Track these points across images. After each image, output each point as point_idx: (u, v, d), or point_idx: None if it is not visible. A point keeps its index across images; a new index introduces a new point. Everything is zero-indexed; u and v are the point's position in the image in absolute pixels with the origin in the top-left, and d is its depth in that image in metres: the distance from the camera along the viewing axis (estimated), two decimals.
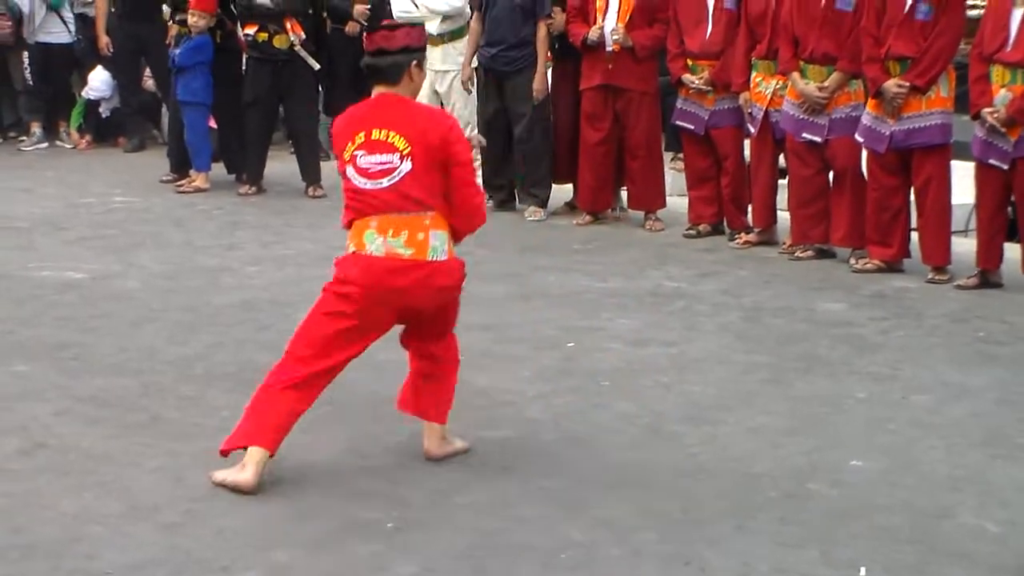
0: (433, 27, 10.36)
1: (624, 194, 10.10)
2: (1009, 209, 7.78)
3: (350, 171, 4.93)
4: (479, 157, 10.46)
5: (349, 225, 5.03)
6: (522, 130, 10.01)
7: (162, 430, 5.24)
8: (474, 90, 10.44)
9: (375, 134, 4.89)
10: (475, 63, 10.30)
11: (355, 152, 4.91)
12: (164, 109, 12.75)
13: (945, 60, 7.92)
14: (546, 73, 9.98)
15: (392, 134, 4.86)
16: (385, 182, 4.84)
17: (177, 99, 10.99)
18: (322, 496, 4.56)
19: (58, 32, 13.20)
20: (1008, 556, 4.16)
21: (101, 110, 13.49)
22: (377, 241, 4.89)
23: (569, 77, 9.95)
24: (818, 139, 8.39)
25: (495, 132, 10.14)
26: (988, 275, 7.82)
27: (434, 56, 10.50)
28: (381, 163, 4.85)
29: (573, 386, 5.86)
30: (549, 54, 10.07)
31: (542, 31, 9.81)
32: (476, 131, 10.41)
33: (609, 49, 9.43)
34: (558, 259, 8.58)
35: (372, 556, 4.10)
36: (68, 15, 13.21)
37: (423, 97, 10.51)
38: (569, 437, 5.21)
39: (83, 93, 13.48)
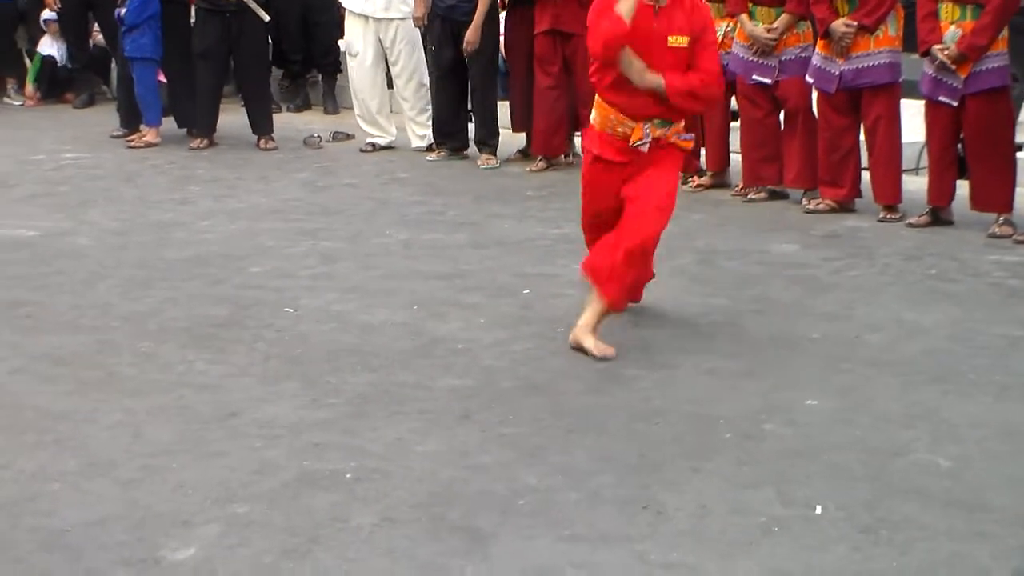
0: None
1: (578, 140, 10.10)
2: (959, 147, 7.81)
3: None
4: (430, 108, 10.44)
5: None
6: (474, 79, 10.00)
7: (118, 386, 5.22)
8: (420, 42, 10.39)
9: None
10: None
11: None
12: (113, 64, 12.66)
13: None
14: (481, 25, 9.93)
15: None
16: None
17: (126, 55, 10.90)
18: (281, 448, 4.56)
19: None
20: (961, 491, 4.20)
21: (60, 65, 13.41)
22: None
23: (524, 24, 9.92)
24: (768, 81, 8.41)
25: (451, 82, 10.12)
26: (939, 212, 7.87)
27: (376, 3, 10.47)
28: None
29: (530, 333, 5.87)
30: (502, 1, 10.06)
31: None
32: (427, 82, 10.42)
33: None
34: (513, 207, 8.59)
35: (332, 507, 4.10)
36: None
37: (368, 47, 10.54)
38: (526, 384, 5.22)
39: (39, 49, 13.37)
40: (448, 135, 10.31)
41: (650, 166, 5.57)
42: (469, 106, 10.36)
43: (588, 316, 5.60)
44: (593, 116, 5.68)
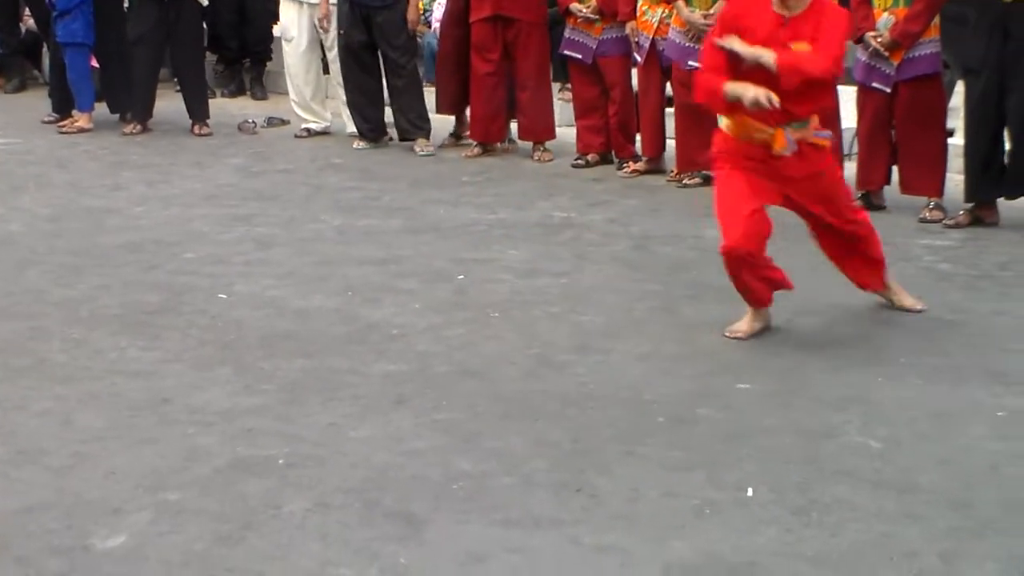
0: None
1: (513, 125, 10.10)
2: (892, 132, 7.86)
3: None
4: (345, 94, 10.37)
5: None
6: (400, 60, 9.94)
7: (48, 373, 5.18)
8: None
9: None
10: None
11: None
12: (45, 49, 12.53)
13: None
14: (419, 3, 9.95)
15: None
16: None
17: (57, 40, 10.80)
18: (214, 435, 4.54)
19: None
20: (891, 471, 4.24)
21: None
22: None
23: (453, 8, 9.90)
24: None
25: (364, 66, 10.08)
26: (872, 197, 7.93)
27: None
28: None
29: (464, 318, 5.87)
30: None
31: None
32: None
33: None
34: (448, 192, 8.58)
35: (265, 493, 4.09)
36: None
37: (303, 32, 10.48)
38: (461, 369, 5.22)
39: None
40: (366, 119, 10.24)
41: (814, 172, 5.58)
42: (386, 91, 10.30)
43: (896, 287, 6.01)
44: (725, 123, 5.57)
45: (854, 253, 5.90)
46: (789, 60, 5.27)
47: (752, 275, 5.52)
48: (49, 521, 3.90)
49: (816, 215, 5.75)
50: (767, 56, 5.26)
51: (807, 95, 5.38)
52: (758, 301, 5.64)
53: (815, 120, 5.52)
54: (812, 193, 5.63)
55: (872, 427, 4.61)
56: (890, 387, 5.02)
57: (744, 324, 5.64)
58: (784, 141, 5.42)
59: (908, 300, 5.97)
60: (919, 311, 5.91)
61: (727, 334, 5.59)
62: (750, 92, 5.21)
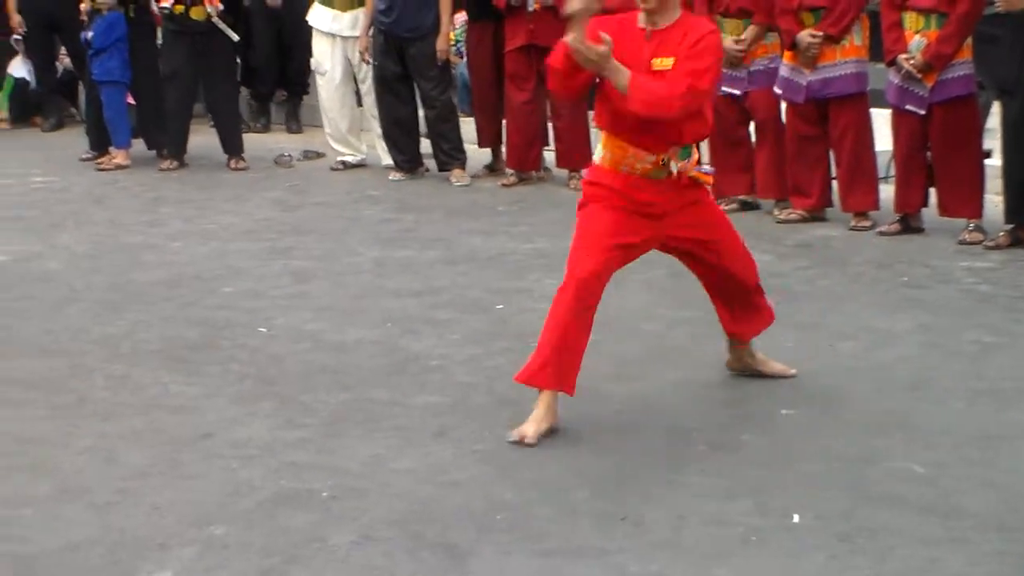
0: None
1: (548, 154, 10.11)
2: (928, 154, 7.84)
3: None
4: (380, 126, 10.42)
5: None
6: (432, 92, 9.99)
7: (91, 410, 5.19)
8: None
9: None
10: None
11: None
12: (81, 87, 12.63)
13: (857, 8, 8.00)
14: (449, 34, 10.00)
15: None
16: None
17: (93, 79, 10.88)
18: (257, 469, 4.55)
19: None
20: (936, 497, 4.21)
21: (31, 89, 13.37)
22: None
23: (487, 40, 9.95)
24: (737, 92, 8.44)
25: (397, 97, 10.12)
26: (909, 220, 7.91)
27: (344, 21, 10.48)
28: None
29: (503, 348, 5.87)
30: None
31: None
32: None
33: (531, 9, 9.44)
34: (484, 222, 8.59)
35: (309, 526, 4.09)
36: None
37: (337, 66, 10.53)
38: (500, 399, 5.22)
39: (10, 71, 13.33)
40: (400, 151, 10.28)
41: (691, 200, 4.99)
42: (421, 123, 10.35)
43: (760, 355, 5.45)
44: (600, 153, 5.00)
45: (746, 298, 5.33)
46: (642, 83, 4.67)
47: (581, 324, 4.88)
48: (94, 558, 3.91)
49: (703, 244, 5.06)
50: (621, 77, 4.65)
51: (684, 120, 4.81)
52: (559, 373, 4.86)
53: (696, 153, 4.93)
54: (692, 222, 4.99)
55: (916, 452, 4.58)
56: (933, 411, 4.99)
57: (531, 424, 4.82)
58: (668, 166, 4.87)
59: (778, 366, 5.45)
60: (790, 376, 5.41)
61: (511, 438, 4.77)
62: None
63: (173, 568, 3.84)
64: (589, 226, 4.97)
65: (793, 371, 5.44)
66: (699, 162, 4.96)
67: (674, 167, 4.87)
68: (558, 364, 4.82)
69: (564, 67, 4.75)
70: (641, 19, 4.88)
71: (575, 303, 4.84)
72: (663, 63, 4.80)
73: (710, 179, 5.03)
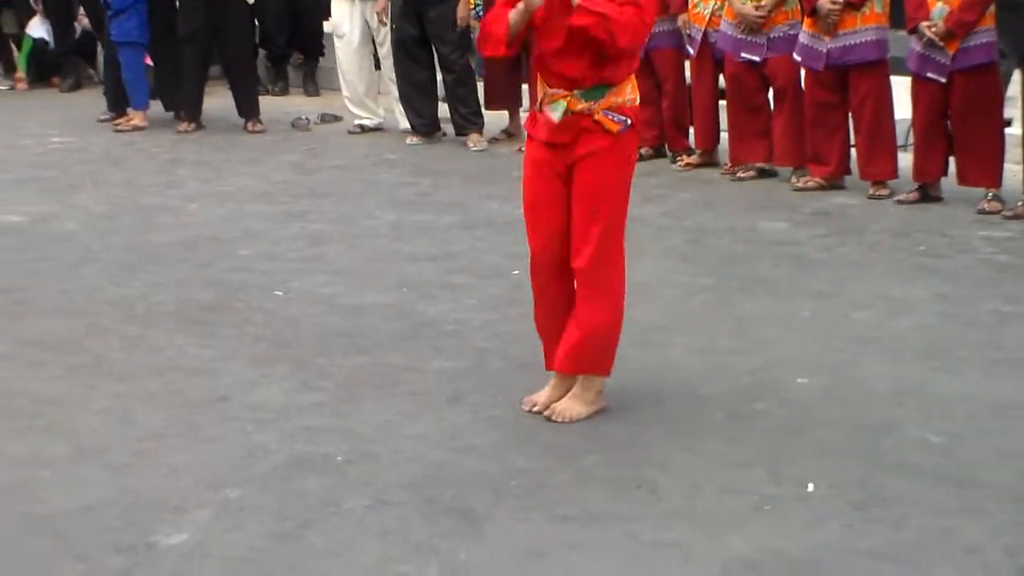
0: None
1: None
2: (947, 123, 7.80)
3: None
4: (398, 89, 10.39)
5: (627, 75, 4.60)
6: (451, 56, 9.95)
7: (107, 371, 5.21)
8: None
9: None
10: None
11: None
12: (99, 47, 12.61)
13: None
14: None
15: None
16: None
17: (112, 39, 10.87)
18: (272, 432, 4.55)
19: None
20: (950, 466, 4.21)
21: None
22: None
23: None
24: (757, 59, 8.40)
25: (416, 60, 10.09)
26: (928, 189, 7.88)
27: None
28: None
29: (519, 314, 5.84)
30: None
31: None
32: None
33: None
34: (501, 187, 8.56)
35: (324, 490, 4.10)
36: None
37: (355, 28, 10.50)
38: (516, 364, 5.22)
39: (28, 32, 13.32)
40: (418, 114, 10.26)
41: (591, 151, 4.56)
42: (439, 86, 10.32)
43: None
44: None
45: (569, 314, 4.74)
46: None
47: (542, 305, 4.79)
48: (110, 519, 3.93)
49: (575, 202, 4.60)
50: None
51: (597, 60, 4.47)
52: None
53: (615, 97, 4.54)
54: (580, 180, 4.56)
55: (931, 421, 4.58)
56: (948, 381, 4.98)
57: (543, 393, 4.78)
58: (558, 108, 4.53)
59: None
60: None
61: (524, 406, 4.74)
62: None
63: (188, 530, 3.85)
64: (524, 196, 4.74)
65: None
66: (616, 108, 4.54)
67: (560, 107, 4.51)
68: (547, 349, 4.82)
69: (507, 31, 4.48)
70: None
71: (533, 285, 4.81)
72: None
73: (615, 126, 4.53)
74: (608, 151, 4.56)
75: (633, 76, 4.63)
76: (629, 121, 4.58)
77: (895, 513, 3.89)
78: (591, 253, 4.58)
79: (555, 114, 4.54)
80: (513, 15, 4.45)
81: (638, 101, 4.65)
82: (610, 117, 4.54)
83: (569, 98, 4.51)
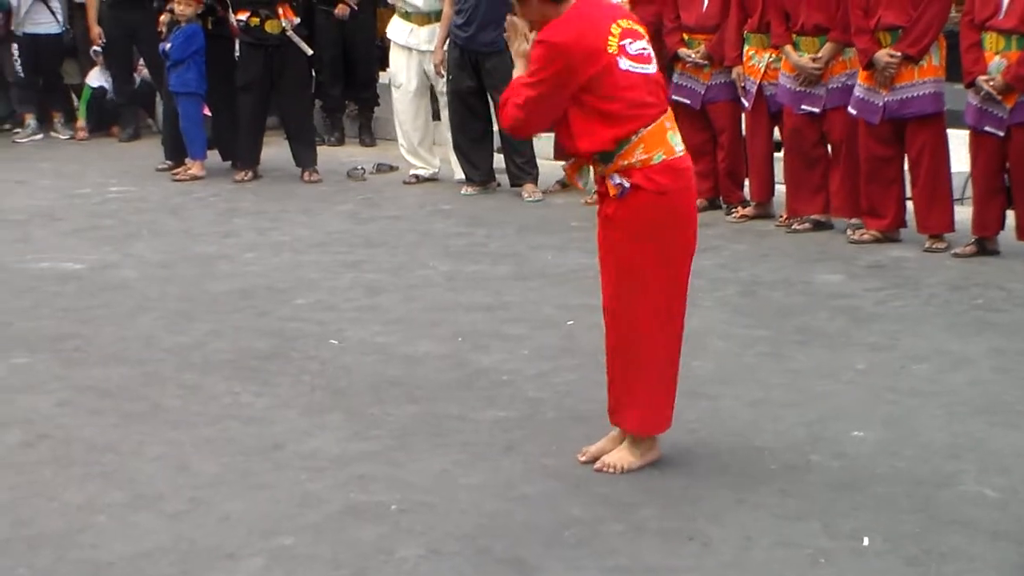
0: (421, 3, 10.36)
1: None
2: (1005, 176, 7.76)
3: (625, 63, 4.40)
4: (453, 140, 10.43)
5: (616, 141, 4.46)
6: None
7: (163, 418, 5.25)
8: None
9: (624, 23, 4.45)
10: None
11: (621, 42, 4.40)
12: (158, 97, 12.75)
13: (936, 28, 7.91)
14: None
15: (633, 22, 4.49)
16: (652, 68, 4.49)
17: (171, 90, 10.99)
18: (326, 481, 4.57)
19: (46, 23, 13.14)
20: (1008, 522, 4.17)
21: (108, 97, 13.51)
22: (677, 139, 4.56)
23: None
24: (817, 110, 8.38)
25: (471, 111, 10.13)
26: (985, 243, 7.82)
27: (421, 35, 10.50)
28: (642, 48, 4.46)
29: (573, 364, 5.86)
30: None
31: None
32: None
33: None
34: (556, 237, 8.58)
35: (377, 539, 4.11)
36: (56, 4, 13.15)
37: (412, 79, 10.56)
38: (570, 415, 5.22)
39: (87, 81, 13.48)
40: (473, 165, 10.29)
41: (603, 216, 4.69)
42: (495, 138, 10.34)
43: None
44: None
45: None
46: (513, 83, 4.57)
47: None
48: (165, 566, 3.95)
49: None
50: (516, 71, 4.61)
51: (561, 132, 4.57)
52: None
53: (622, 160, 4.47)
54: (599, 239, 4.73)
55: (988, 476, 4.54)
56: (1005, 435, 4.94)
57: (599, 444, 4.80)
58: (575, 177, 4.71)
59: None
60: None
61: (580, 456, 4.75)
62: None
63: None
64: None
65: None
66: (624, 171, 4.49)
67: (586, 172, 4.65)
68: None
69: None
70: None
71: None
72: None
73: (613, 190, 4.52)
74: (613, 216, 4.61)
75: (651, 133, 4.49)
76: (627, 184, 4.50)
77: (951, 568, 3.86)
78: (608, 322, 4.79)
79: (582, 180, 4.65)
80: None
81: (658, 159, 4.51)
82: (613, 182, 4.52)
83: (592, 163, 4.58)
